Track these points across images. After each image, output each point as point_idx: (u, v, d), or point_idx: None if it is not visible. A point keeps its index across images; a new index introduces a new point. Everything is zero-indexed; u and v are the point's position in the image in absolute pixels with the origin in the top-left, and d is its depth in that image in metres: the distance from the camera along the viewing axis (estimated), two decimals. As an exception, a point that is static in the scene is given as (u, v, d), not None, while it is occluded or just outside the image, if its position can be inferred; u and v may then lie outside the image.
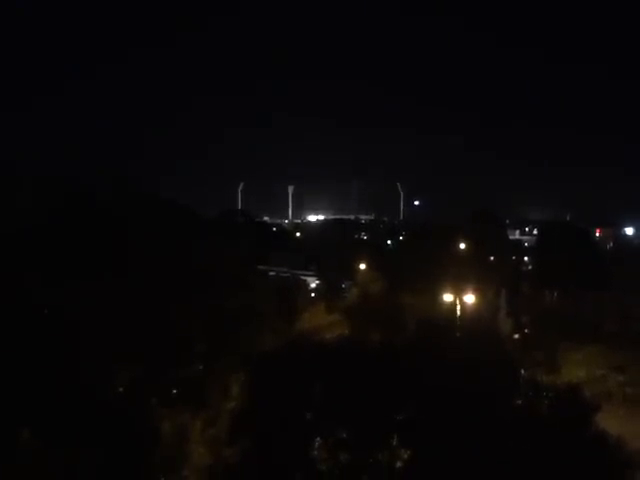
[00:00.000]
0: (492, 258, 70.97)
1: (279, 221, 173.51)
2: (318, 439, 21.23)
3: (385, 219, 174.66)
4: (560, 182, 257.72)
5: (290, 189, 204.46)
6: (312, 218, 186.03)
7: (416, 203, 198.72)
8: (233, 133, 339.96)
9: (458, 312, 42.40)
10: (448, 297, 44.48)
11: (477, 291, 45.82)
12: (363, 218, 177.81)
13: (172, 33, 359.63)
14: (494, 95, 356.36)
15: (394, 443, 20.97)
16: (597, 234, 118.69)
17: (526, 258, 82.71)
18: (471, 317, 41.11)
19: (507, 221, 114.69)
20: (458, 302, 43.20)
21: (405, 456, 20.86)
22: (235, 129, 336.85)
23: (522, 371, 25.35)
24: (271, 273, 65.53)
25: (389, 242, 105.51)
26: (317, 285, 72.84)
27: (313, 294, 69.02)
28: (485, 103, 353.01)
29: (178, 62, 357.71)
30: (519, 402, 22.39)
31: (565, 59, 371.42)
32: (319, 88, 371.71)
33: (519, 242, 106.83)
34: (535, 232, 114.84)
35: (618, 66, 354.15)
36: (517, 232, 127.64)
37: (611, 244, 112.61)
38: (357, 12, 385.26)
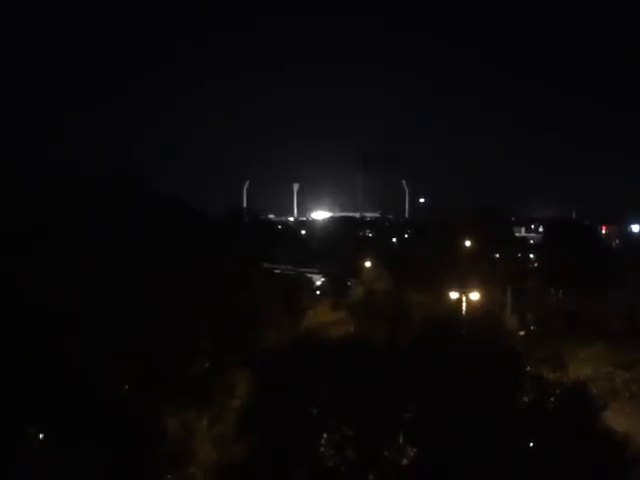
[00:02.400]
0: (497, 255, 70.90)
1: (284, 219, 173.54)
2: (324, 436, 21.27)
3: (390, 217, 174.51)
4: (566, 179, 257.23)
5: (295, 187, 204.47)
6: (317, 216, 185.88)
7: (421, 201, 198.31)
8: (237, 130, 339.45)
9: (463, 309, 42.35)
10: (454, 294, 44.44)
11: (482, 288, 45.74)
12: (368, 216, 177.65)
13: (174, 29, 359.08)
14: (499, 94, 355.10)
15: (400, 440, 21.00)
16: (603, 231, 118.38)
17: (532, 255, 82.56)
18: (476, 314, 41.05)
19: (512, 218, 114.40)
20: (464, 299, 43.15)
21: (411, 453, 20.89)
22: (239, 126, 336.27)
23: (528, 368, 25.34)
24: (276, 271, 65.55)
25: (394, 239, 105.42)
26: (322, 283, 72.83)
27: (318, 292, 68.88)
28: (489, 104, 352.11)
29: (181, 55, 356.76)
30: (525, 399, 22.38)
31: (577, 57, 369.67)
32: (324, 85, 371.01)
33: (524, 239, 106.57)
34: (541, 229, 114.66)
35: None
36: (523, 229, 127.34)
37: (617, 241, 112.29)
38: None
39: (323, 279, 73.32)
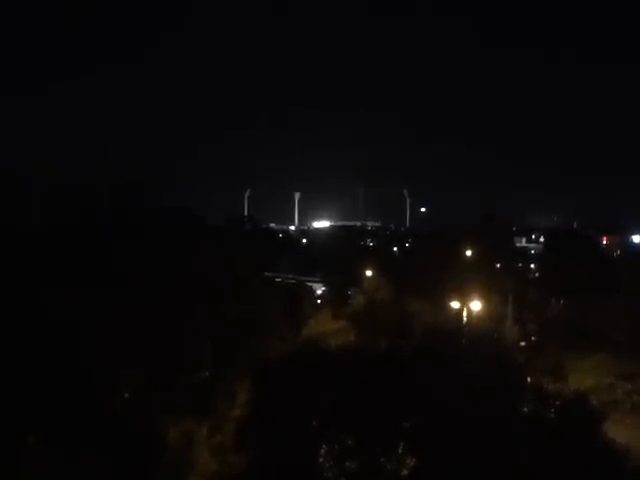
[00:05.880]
0: (498, 265, 70.87)
1: (285, 227, 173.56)
2: (324, 446, 21.21)
3: (392, 225, 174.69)
4: (567, 190, 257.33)
5: (296, 195, 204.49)
6: (318, 225, 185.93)
7: (422, 210, 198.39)
8: (238, 139, 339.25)
9: (464, 319, 42.33)
10: (454, 304, 44.43)
11: (483, 298, 45.72)
12: (369, 225, 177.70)
13: (180, 32, 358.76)
14: (500, 100, 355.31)
15: (400, 451, 20.93)
16: (604, 242, 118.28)
17: (532, 265, 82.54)
18: (477, 324, 41.02)
19: (514, 228, 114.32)
20: (464, 309, 43.13)
21: (411, 464, 20.82)
22: (241, 136, 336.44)
23: (528, 379, 25.29)
24: (277, 279, 65.56)
25: (395, 249, 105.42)
26: (323, 292, 72.81)
27: (319, 301, 68.93)
28: (490, 108, 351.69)
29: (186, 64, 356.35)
30: (525, 410, 22.33)
31: (569, 61, 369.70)
32: (325, 95, 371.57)
33: (525, 249, 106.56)
34: (542, 240, 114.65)
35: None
36: (524, 239, 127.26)
37: (618, 252, 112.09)
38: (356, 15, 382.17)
39: (324, 288, 73.34)
